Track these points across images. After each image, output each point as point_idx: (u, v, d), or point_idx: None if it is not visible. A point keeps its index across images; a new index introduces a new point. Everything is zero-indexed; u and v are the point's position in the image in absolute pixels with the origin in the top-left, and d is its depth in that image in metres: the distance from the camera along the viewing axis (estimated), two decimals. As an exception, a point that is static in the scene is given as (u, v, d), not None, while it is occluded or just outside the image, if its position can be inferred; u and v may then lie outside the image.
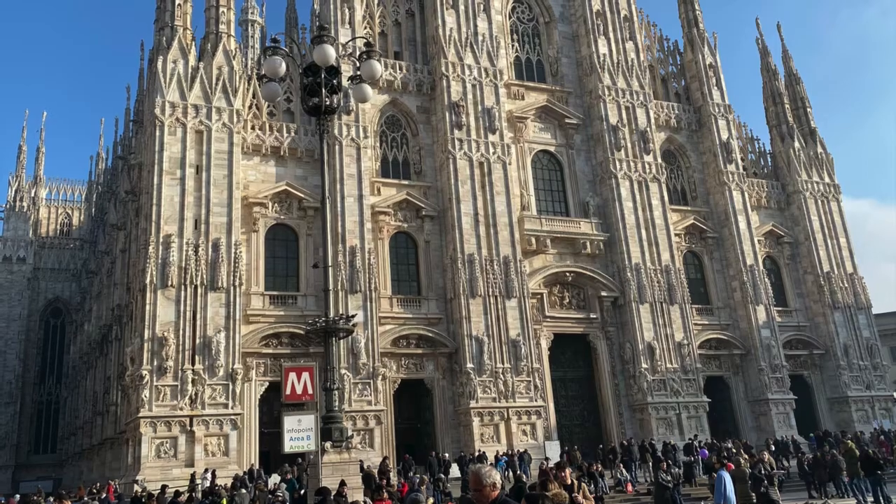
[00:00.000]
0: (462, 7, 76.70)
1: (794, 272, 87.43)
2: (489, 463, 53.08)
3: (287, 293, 64.39)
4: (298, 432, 22.82)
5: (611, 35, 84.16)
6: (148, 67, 74.08)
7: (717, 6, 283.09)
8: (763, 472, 40.33)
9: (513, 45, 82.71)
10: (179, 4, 66.28)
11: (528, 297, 69.93)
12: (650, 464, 55.07)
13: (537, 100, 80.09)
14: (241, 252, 61.35)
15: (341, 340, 32.52)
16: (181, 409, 55.49)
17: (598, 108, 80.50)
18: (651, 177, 79.72)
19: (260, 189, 65.71)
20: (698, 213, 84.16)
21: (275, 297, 63.78)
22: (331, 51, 23.54)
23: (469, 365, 65.26)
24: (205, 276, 59.13)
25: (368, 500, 25.69)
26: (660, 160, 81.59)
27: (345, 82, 24.76)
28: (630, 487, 54.34)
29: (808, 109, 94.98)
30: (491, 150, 72.59)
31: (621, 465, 58.04)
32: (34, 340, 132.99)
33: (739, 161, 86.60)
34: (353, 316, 27.34)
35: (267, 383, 60.81)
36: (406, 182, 71.97)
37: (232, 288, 59.72)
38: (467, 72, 74.32)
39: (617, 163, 78.44)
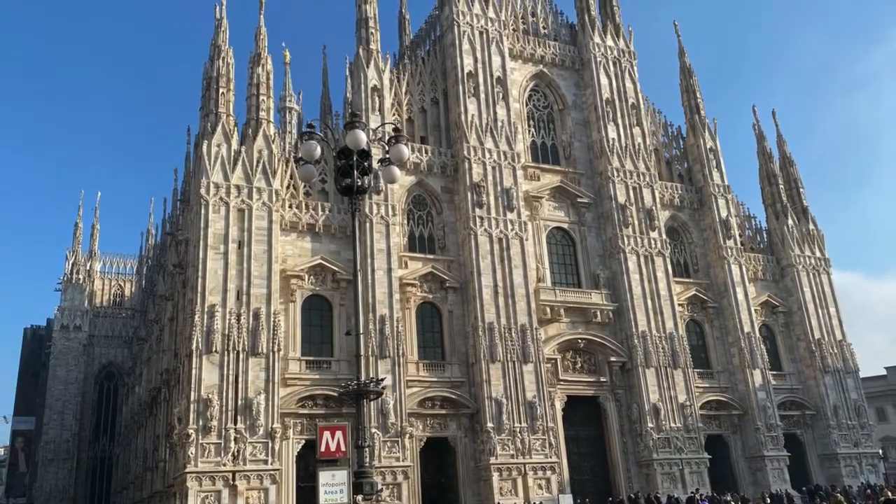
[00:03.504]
0: (483, 96, 77.46)
1: (787, 339, 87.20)
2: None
3: (322, 358, 64.34)
4: (332, 486, 22.84)
5: (619, 121, 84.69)
6: (194, 151, 74.87)
7: (717, 94, 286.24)
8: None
9: (529, 130, 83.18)
10: (223, 93, 67.00)
11: (544, 362, 69.90)
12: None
13: (552, 180, 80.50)
14: (279, 320, 61.57)
15: (372, 402, 32.58)
16: (224, 464, 55.43)
17: (608, 188, 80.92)
18: (656, 251, 79.91)
19: (297, 262, 66.02)
20: (700, 284, 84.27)
21: (310, 362, 63.78)
22: (362, 136, 23.82)
23: (489, 424, 65.17)
24: (246, 343, 59.30)
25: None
26: (664, 236, 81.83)
27: (375, 164, 24.98)
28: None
29: (801, 189, 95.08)
30: (509, 227, 72.98)
31: (630, 518, 57.80)
32: (89, 402, 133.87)
33: (738, 237, 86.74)
34: (382, 379, 27.35)
35: (303, 441, 60.67)
36: (431, 256, 72.31)
37: (271, 353, 59.86)
38: (487, 155, 74.87)
39: (625, 239, 78.76)
